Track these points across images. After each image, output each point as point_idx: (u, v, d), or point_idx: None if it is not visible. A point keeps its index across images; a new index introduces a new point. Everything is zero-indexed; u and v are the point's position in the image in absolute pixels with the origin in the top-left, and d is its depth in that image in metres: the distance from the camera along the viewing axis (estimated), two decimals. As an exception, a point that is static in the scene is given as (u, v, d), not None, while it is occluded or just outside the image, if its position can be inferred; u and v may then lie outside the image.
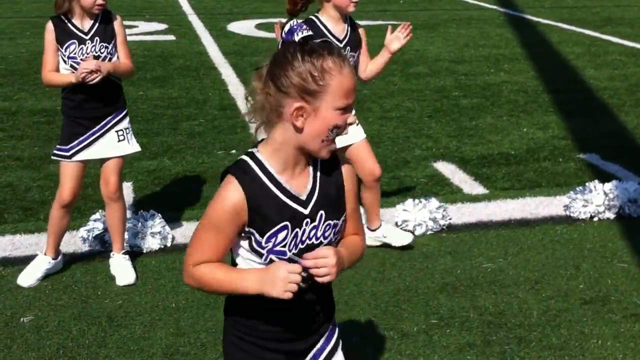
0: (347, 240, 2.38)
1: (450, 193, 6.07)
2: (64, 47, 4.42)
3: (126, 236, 4.95)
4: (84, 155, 4.52)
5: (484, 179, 6.38)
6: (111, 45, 4.52)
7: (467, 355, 3.89)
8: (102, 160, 4.64)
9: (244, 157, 2.26)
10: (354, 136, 4.87)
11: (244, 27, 13.39)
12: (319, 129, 2.18)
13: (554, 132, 7.69)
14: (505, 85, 9.55)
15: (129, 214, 5.26)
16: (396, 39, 4.81)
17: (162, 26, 13.37)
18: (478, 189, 6.18)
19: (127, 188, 6.05)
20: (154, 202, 5.77)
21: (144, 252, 4.97)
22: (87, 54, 4.42)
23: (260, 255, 2.24)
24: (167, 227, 5.12)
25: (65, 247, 5.01)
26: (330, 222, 2.29)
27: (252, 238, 2.23)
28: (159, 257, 4.92)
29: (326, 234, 2.29)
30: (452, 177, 6.43)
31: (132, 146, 4.71)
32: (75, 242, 5.08)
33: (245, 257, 2.28)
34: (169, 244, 5.06)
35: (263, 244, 2.23)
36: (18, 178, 6.21)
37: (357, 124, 4.84)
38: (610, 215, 5.56)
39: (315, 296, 2.36)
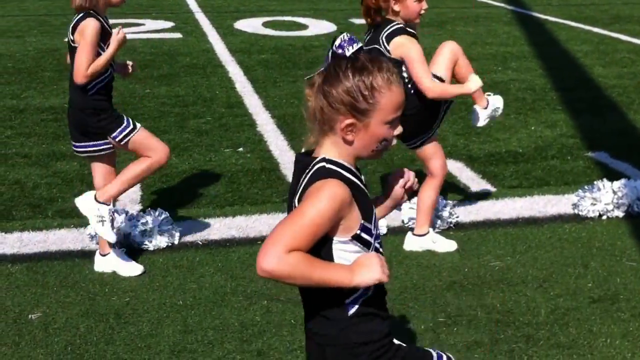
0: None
1: (457, 191, 6.05)
2: (106, 45, 4.48)
3: (134, 234, 4.96)
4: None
5: (491, 177, 6.36)
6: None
7: (475, 354, 3.88)
8: (92, 159, 4.71)
9: (320, 164, 2.30)
10: None
11: (251, 25, 13.39)
12: (369, 142, 2.31)
13: (562, 130, 7.66)
14: (513, 83, 9.52)
15: (136, 212, 5.27)
16: None
17: (169, 24, 13.37)
18: (486, 187, 6.16)
19: (135, 186, 6.04)
20: (161, 199, 5.78)
21: (151, 249, 4.97)
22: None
23: (368, 245, 2.33)
24: (174, 225, 5.12)
25: (72, 244, 5.04)
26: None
27: (365, 229, 2.31)
28: (167, 255, 4.92)
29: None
30: (459, 175, 6.42)
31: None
32: (83, 239, 5.08)
33: (343, 257, 2.30)
34: (176, 242, 5.06)
35: (372, 230, 2.34)
36: (26, 175, 6.21)
37: None
38: (619, 213, 5.54)
39: None
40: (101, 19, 4.46)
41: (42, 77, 9.38)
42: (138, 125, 4.72)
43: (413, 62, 4.67)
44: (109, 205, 4.54)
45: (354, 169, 2.35)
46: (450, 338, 4.01)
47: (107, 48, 4.47)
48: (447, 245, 5.04)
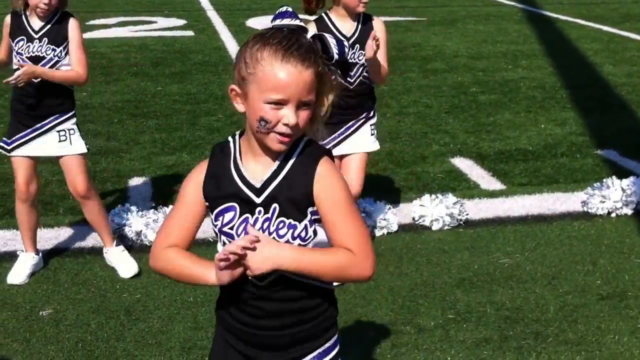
0: (323, 249, 2.19)
1: (467, 189, 6.07)
2: (15, 42, 4.43)
3: (146, 232, 4.99)
4: (23, 151, 4.50)
5: (501, 174, 6.37)
6: (60, 48, 4.42)
7: (484, 350, 3.90)
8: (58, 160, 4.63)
9: (237, 132, 2.28)
10: (356, 146, 4.67)
11: (262, 23, 13.38)
12: (250, 118, 2.13)
13: (571, 128, 7.66)
14: (523, 81, 9.52)
15: (147, 209, 5.30)
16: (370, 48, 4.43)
17: (181, 22, 13.42)
18: (495, 184, 6.17)
19: (146, 183, 6.10)
20: (172, 197, 5.81)
21: (162, 246, 4.99)
22: (34, 52, 4.39)
23: (217, 234, 2.24)
24: (185, 222, 5.14)
25: (83, 241, 5.07)
26: (285, 219, 2.16)
27: (210, 216, 2.24)
28: (177, 252, 4.94)
29: (280, 232, 2.16)
30: (469, 172, 6.43)
31: (73, 147, 4.55)
32: (93, 237, 5.12)
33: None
34: (187, 239, 5.08)
35: (214, 221, 2.23)
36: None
37: (373, 136, 4.73)
38: (628, 211, 5.54)
39: (277, 307, 2.22)
40: (22, 16, 4.44)
41: (54, 76, 9.45)
42: (14, 152, 4.50)
43: None
44: (29, 252, 4.65)
45: (242, 159, 2.21)
46: (460, 335, 4.03)
47: (16, 52, 4.42)
48: None
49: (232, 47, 11.39)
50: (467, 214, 5.45)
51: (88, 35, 12.01)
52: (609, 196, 5.52)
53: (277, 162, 2.19)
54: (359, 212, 2.23)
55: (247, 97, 2.11)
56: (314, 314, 2.27)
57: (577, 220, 5.48)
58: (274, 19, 2.14)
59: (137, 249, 4.96)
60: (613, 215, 5.53)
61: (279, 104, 2.07)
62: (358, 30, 4.54)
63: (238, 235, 2.18)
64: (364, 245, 2.14)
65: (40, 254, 4.73)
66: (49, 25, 4.42)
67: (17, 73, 4.31)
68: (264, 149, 2.17)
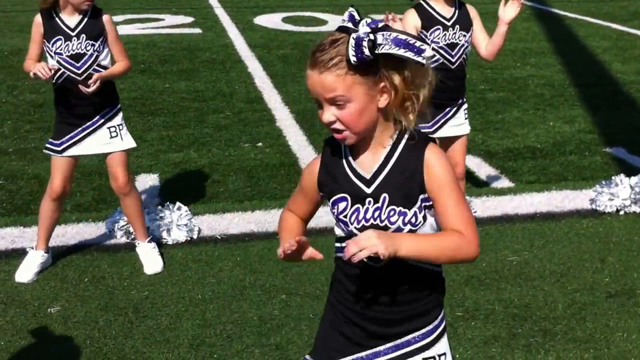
0: (435, 234, 2.32)
1: (475, 186, 6.05)
2: (51, 43, 4.41)
3: (152, 228, 5.00)
4: (75, 151, 4.53)
5: (509, 172, 6.36)
6: (99, 43, 4.46)
7: (492, 348, 3.89)
8: (103, 156, 4.67)
9: None
10: (456, 129, 4.91)
11: (270, 20, 13.41)
12: None
13: (580, 125, 7.63)
14: (532, 79, 9.50)
15: (154, 206, 5.31)
16: (510, 8, 4.85)
17: (189, 19, 13.43)
18: (504, 182, 6.16)
19: (153, 180, 6.10)
20: (180, 194, 5.81)
21: (170, 243, 5.00)
22: (74, 50, 4.40)
23: (335, 220, 2.38)
24: (193, 220, 5.16)
25: (91, 238, 5.08)
26: (395, 207, 2.27)
27: (328, 203, 2.39)
28: (185, 249, 4.95)
29: (392, 219, 2.27)
30: (477, 170, 6.41)
31: (125, 143, 4.63)
32: (100, 234, 5.13)
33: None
34: (195, 236, 5.09)
35: (331, 208, 2.36)
36: (45, 170, 6.25)
37: (467, 119, 4.96)
38: (637, 208, 5.52)
39: (389, 288, 2.35)
40: (54, 15, 4.42)
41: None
42: (66, 153, 4.53)
43: None
44: (38, 250, 4.67)
45: (352, 153, 2.34)
46: (468, 332, 4.02)
47: (54, 52, 4.43)
48: None
49: (239, 44, 11.39)
50: (475, 212, 5.44)
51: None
52: (618, 194, 5.50)
53: (385, 153, 2.30)
54: (464, 194, 2.37)
55: None
56: (423, 295, 2.38)
57: (586, 218, 5.46)
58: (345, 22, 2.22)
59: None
60: (621, 212, 5.51)
61: (318, 104, 2.24)
62: (456, 12, 4.78)
63: (351, 224, 2.31)
64: (472, 227, 2.25)
65: (50, 252, 4.75)
66: (85, 22, 4.43)
67: (93, 87, 4.36)
68: (367, 140, 2.30)
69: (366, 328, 2.40)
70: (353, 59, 2.14)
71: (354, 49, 2.13)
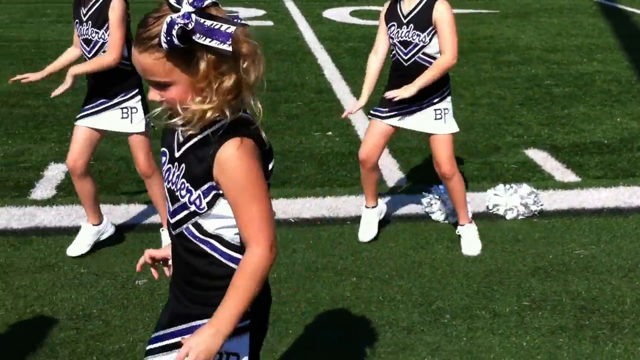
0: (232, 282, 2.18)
1: (541, 180, 6.13)
2: (74, 25, 4.63)
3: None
4: (87, 122, 4.64)
5: (576, 167, 6.42)
6: (102, 31, 4.52)
7: (560, 338, 3.98)
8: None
9: None
10: (419, 124, 4.82)
11: (338, 14, 13.59)
12: None
13: (648, 123, 7.63)
14: (599, 75, 9.48)
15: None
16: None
17: (261, 12, 13.69)
18: (570, 176, 6.22)
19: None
20: (254, 178, 6.00)
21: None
22: (83, 35, 4.57)
23: None
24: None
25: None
26: (185, 182, 2.22)
27: None
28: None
29: (182, 192, 2.23)
30: (543, 164, 6.49)
31: (133, 125, 4.66)
32: (182, 213, 5.35)
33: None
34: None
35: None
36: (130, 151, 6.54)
37: (440, 120, 4.77)
38: None
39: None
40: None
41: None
42: (80, 121, 4.67)
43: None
44: (88, 224, 4.85)
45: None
46: (535, 322, 4.13)
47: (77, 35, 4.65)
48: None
49: (309, 37, 11.59)
50: (541, 205, 5.53)
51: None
52: (686, 192, 5.53)
53: (198, 129, 2.19)
54: (261, 196, 2.18)
55: None
56: (205, 283, 2.30)
57: (654, 214, 5.50)
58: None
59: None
60: (690, 211, 5.54)
61: (149, 83, 2.17)
62: (415, 10, 4.67)
63: (165, 180, 2.31)
64: (258, 228, 2.16)
65: (106, 220, 4.89)
66: (94, 8, 4.52)
67: (59, 90, 4.57)
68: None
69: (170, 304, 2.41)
70: (165, 45, 2.03)
71: (165, 34, 2.02)
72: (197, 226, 2.25)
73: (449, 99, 4.82)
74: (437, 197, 5.41)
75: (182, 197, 2.23)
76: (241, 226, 2.18)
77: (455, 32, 4.61)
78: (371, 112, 4.91)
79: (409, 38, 4.68)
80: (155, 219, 5.27)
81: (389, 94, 4.67)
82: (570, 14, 13.95)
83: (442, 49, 4.62)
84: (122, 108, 4.64)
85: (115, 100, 4.63)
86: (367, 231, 5.06)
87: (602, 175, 6.23)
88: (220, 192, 2.18)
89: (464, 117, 7.64)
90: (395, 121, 4.83)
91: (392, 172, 6.24)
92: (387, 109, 4.81)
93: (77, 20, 4.61)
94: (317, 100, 8.24)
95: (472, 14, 13.69)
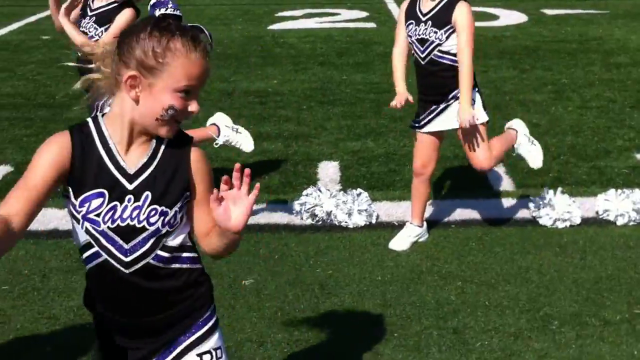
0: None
1: (661, 184, 5.93)
2: (80, 20, 4.78)
3: (336, 212, 5.28)
4: (431, 127, 4.82)
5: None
6: (102, 29, 4.72)
7: (673, 347, 3.88)
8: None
9: (88, 119, 2.24)
10: (450, 122, 4.79)
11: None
12: (152, 106, 2.13)
13: None
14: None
15: (336, 191, 5.59)
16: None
17: (363, 14, 13.74)
18: (691, 182, 6.00)
19: (334, 167, 6.39)
20: (359, 180, 6.06)
21: (351, 227, 5.26)
22: (84, 29, 4.71)
23: (77, 220, 2.18)
24: (372, 205, 5.40)
25: (280, 218, 5.42)
26: (157, 207, 2.18)
27: (69, 199, 2.18)
28: (365, 233, 5.20)
29: (151, 220, 2.18)
30: (666, 168, 6.27)
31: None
32: (287, 215, 5.45)
33: (71, 221, 2.23)
34: (374, 221, 5.33)
35: (77, 207, 2.16)
36: (236, 153, 6.68)
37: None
38: None
39: (147, 294, 2.28)
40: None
41: (248, 63, 10.00)
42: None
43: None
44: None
45: (114, 144, 2.18)
46: (647, 330, 4.03)
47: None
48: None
49: (412, 38, 11.55)
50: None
51: (277, 26, 12.59)
52: None
53: (152, 148, 2.21)
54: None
55: (153, 85, 2.11)
56: (184, 296, 2.32)
57: None
58: (157, 8, 2.21)
59: (327, 227, 5.26)
60: None
61: (188, 92, 2.13)
62: (435, 9, 4.70)
63: (104, 223, 2.17)
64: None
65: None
66: (104, 8, 4.73)
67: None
68: (137, 134, 2.19)
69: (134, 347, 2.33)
70: (210, 52, 2.19)
71: (211, 41, 2.23)
72: (165, 248, 2.23)
73: (474, 89, 4.77)
74: (546, 201, 5.33)
75: (151, 224, 2.18)
76: (209, 217, 2.21)
77: (473, 33, 4.64)
78: (411, 125, 5.02)
79: (425, 35, 4.72)
80: (259, 219, 5.38)
81: (464, 122, 4.62)
82: (686, 12, 13.43)
83: (460, 47, 4.63)
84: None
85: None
86: (400, 241, 5.02)
87: None
88: (189, 195, 2.23)
89: (573, 120, 7.48)
90: (432, 127, 4.85)
91: (499, 177, 6.17)
92: (419, 119, 4.91)
93: (82, 14, 4.80)
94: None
95: (580, 15, 13.35)
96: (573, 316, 4.17)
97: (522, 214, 5.47)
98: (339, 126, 7.41)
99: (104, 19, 4.77)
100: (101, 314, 2.32)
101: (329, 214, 5.31)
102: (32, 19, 13.31)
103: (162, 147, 2.21)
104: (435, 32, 4.69)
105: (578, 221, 5.28)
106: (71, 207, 2.18)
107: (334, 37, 11.54)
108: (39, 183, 2.10)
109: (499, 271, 4.67)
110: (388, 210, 5.54)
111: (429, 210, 5.51)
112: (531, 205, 5.44)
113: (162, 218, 2.18)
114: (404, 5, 4.89)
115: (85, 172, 2.15)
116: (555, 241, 5.06)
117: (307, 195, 5.43)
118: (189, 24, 2.26)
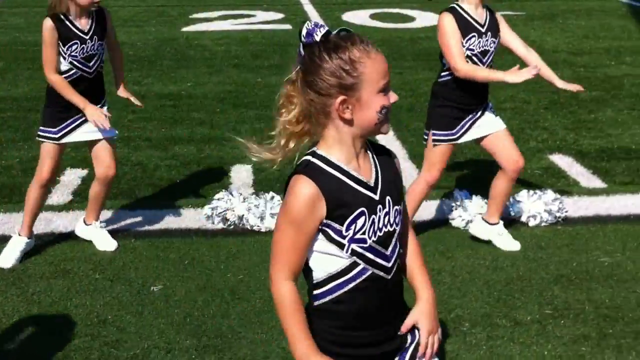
0: (414, 254, 2.48)
1: (566, 186, 6.01)
2: (66, 47, 4.53)
3: (248, 216, 5.17)
4: (70, 138, 4.67)
5: (602, 172, 6.29)
6: (104, 41, 4.69)
7: (582, 347, 3.89)
8: (91, 144, 4.75)
9: (306, 157, 2.30)
10: (490, 126, 4.80)
11: (358, 16, 13.50)
12: (368, 115, 2.24)
13: (677, 127, 7.47)
14: (627, 78, 9.31)
15: (249, 194, 5.48)
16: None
17: (279, 15, 13.64)
18: (596, 182, 6.10)
19: (247, 170, 6.27)
20: (272, 183, 5.95)
21: (264, 231, 5.15)
22: (88, 52, 4.57)
23: (341, 246, 2.26)
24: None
25: (190, 223, 5.28)
26: (397, 207, 2.35)
27: (331, 229, 2.25)
28: (278, 237, 5.09)
29: (396, 220, 2.34)
30: (568, 170, 6.37)
31: (113, 130, 4.82)
32: (199, 219, 5.32)
33: (321, 251, 2.28)
34: (287, 225, 5.23)
35: (344, 232, 2.25)
36: (147, 157, 6.53)
37: (496, 115, 4.84)
38: None
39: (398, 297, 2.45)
40: (66, 21, 4.52)
41: (161, 66, 9.79)
42: (63, 140, 4.68)
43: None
44: (22, 236, 4.82)
45: (347, 166, 2.28)
46: (557, 330, 4.04)
47: (68, 55, 4.54)
48: (511, 244, 4.95)
49: (329, 40, 11.51)
50: (566, 211, 5.41)
51: (191, 28, 12.39)
52: None
53: (371, 157, 2.37)
54: None
55: (361, 99, 2.22)
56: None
57: (681, 221, 5.37)
58: (314, 34, 2.25)
59: (239, 232, 5.14)
60: None
61: (386, 89, 2.26)
62: (488, 17, 4.74)
63: (370, 238, 2.29)
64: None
65: (33, 238, 4.85)
66: (94, 24, 4.61)
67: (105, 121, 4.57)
68: (359, 149, 2.31)
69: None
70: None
71: None
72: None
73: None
74: (458, 203, 5.32)
75: (397, 224, 2.36)
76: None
77: None
78: (440, 139, 4.74)
79: (487, 47, 4.68)
80: (169, 224, 5.26)
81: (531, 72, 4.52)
82: (599, 15, 13.76)
83: (516, 45, 4.81)
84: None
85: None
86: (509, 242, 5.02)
87: (629, 182, 6.09)
88: None
89: (488, 122, 7.53)
90: (469, 136, 4.78)
91: (412, 177, 6.15)
92: (454, 130, 4.73)
93: (73, 42, 4.54)
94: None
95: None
96: (484, 317, 4.16)
97: (436, 215, 5.45)
98: (253, 129, 7.29)
99: (102, 32, 4.71)
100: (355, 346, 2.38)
101: (240, 218, 5.20)
102: None
103: (372, 153, 2.38)
104: (494, 42, 4.70)
105: (491, 222, 5.28)
106: (333, 234, 2.25)
107: (249, 39, 11.42)
108: (307, 239, 2.26)
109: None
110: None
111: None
112: (444, 207, 5.42)
113: (399, 216, 2.36)
114: (451, 19, 4.58)
115: (339, 202, 2.24)
116: (467, 243, 5.05)
117: (218, 199, 5.30)
118: (334, 31, 2.29)
